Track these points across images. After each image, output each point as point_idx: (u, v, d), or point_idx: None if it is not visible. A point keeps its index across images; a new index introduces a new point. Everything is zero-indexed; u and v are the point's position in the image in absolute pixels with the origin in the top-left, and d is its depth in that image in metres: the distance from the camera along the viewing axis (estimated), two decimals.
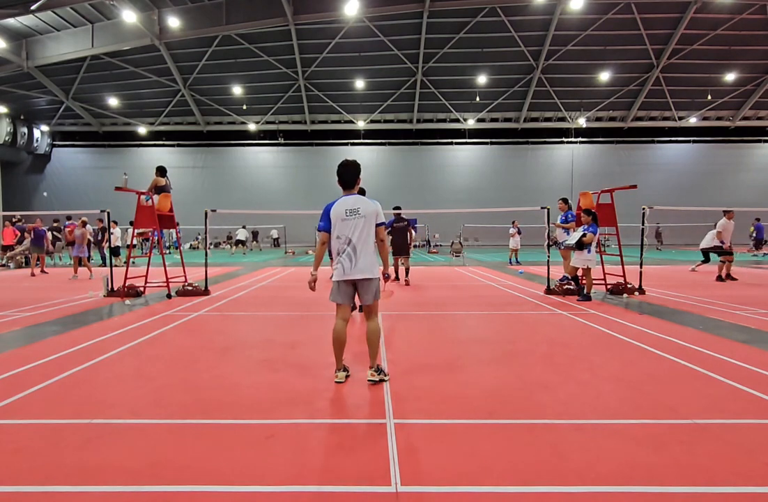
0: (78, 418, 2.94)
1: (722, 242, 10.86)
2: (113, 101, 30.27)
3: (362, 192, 4.64)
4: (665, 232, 27.67)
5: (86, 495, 2.10)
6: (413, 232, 11.01)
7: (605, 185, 9.60)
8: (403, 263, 10.49)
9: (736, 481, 2.18)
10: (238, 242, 23.60)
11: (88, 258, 12.43)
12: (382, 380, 3.61)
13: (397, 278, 10.60)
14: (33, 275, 12.80)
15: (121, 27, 22.86)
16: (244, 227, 23.87)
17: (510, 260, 15.94)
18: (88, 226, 13.44)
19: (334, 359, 3.73)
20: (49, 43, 23.71)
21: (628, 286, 8.46)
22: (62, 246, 17.35)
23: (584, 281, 8.02)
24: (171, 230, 16.81)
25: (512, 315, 6.65)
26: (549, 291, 8.57)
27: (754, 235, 20.01)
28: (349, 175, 3.74)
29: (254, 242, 28.27)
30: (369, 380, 3.56)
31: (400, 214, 10.43)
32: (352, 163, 3.78)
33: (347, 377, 3.69)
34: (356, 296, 3.75)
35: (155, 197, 8.43)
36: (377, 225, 3.68)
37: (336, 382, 3.62)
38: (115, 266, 11.82)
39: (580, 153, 33.51)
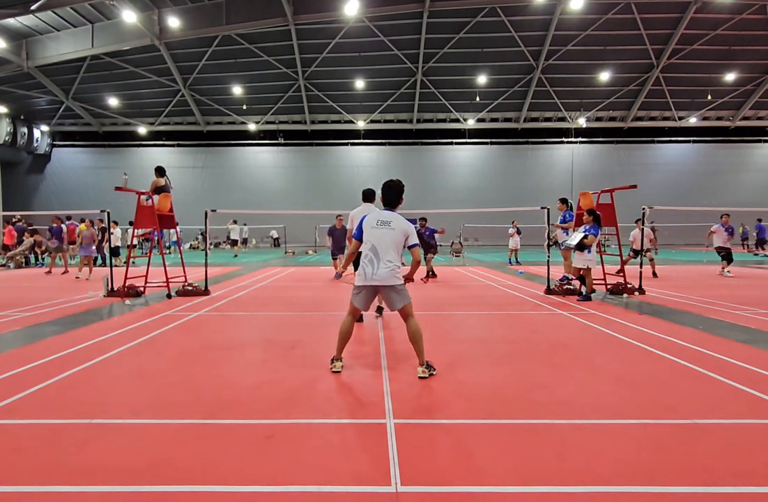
0: (78, 418, 2.94)
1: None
2: (113, 101, 30.24)
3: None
4: (665, 232, 27.59)
5: (86, 495, 2.10)
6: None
7: (605, 185, 9.59)
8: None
9: (736, 481, 2.18)
10: (233, 242, 21.95)
11: (95, 259, 12.54)
12: (431, 375, 3.74)
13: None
14: (62, 272, 13.05)
15: (121, 27, 22.83)
16: (235, 222, 21.72)
17: (510, 260, 15.94)
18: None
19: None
20: (49, 43, 23.69)
21: (628, 286, 8.46)
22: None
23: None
24: (171, 230, 16.76)
25: (512, 315, 6.65)
26: (549, 291, 8.57)
27: (756, 235, 20.28)
28: (392, 196, 3.95)
29: (239, 246, 23.16)
30: (419, 377, 3.70)
31: (423, 223, 12.14)
32: (397, 185, 3.97)
33: (342, 367, 3.92)
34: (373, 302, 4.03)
35: (155, 197, 8.44)
36: (411, 247, 3.85)
37: (333, 371, 3.85)
38: (115, 266, 11.82)
39: (580, 153, 33.48)
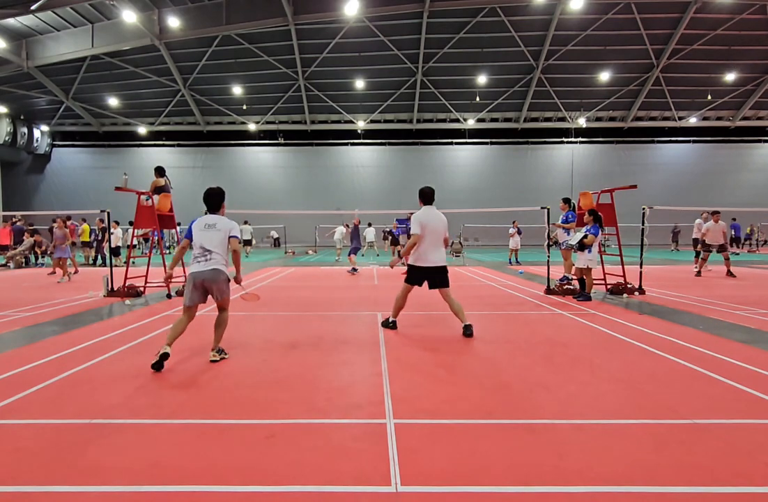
0: (78, 418, 2.94)
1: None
2: (113, 101, 30.25)
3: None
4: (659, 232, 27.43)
5: (86, 495, 2.10)
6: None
7: (605, 185, 9.59)
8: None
9: (736, 481, 2.18)
10: (245, 242, 21.61)
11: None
12: (222, 358, 4.26)
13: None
14: (74, 272, 12.96)
15: (121, 27, 22.85)
16: (246, 223, 21.97)
17: (510, 260, 15.94)
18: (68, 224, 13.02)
19: (331, 359, 3.98)
20: (49, 43, 23.70)
21: (628, 286, 8.46)
22: None
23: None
24: (171, 230, 16.76)
25: (512, 315, 6.64)
26: (549, 291, 8.57)
27: (732, 234, 20.72)
28: (215, 201, 4.56)
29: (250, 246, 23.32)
30: (211, 360, 4.19)
31: (395, 224, 13.47)
32: (217, 192, 4.53)
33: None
34: None
35: (155, 197, 8.44)
36: (230, 237, 4.43)
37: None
38: (115, 265, 11.80)
39: (580, 153, 33.49)
